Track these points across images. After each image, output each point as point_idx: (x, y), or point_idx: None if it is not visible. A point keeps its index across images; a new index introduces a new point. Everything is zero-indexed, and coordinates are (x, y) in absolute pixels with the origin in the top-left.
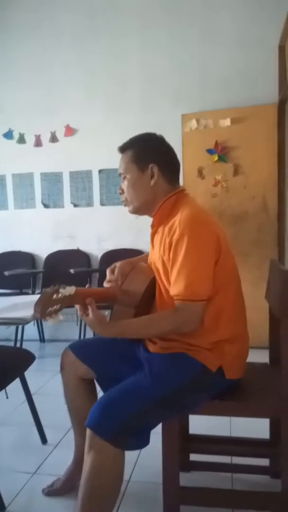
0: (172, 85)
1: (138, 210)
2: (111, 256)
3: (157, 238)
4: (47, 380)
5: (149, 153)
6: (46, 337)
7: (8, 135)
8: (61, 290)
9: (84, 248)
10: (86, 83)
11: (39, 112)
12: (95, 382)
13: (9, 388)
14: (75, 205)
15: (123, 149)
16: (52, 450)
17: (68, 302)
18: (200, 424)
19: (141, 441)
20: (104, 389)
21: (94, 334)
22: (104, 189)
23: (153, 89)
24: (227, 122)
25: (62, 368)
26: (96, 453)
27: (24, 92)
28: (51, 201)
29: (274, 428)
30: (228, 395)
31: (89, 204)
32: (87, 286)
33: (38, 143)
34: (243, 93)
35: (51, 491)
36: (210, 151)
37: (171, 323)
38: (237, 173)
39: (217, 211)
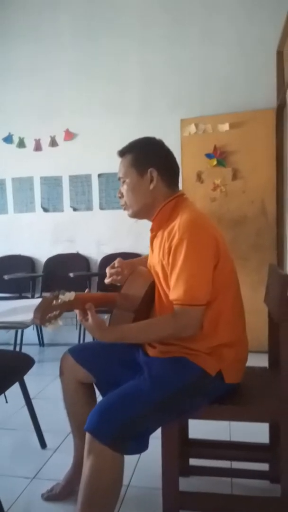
0: (172, 88)
1: (138, 214)
2: (110, 260)
3: (157, 242)
4: (46, 384)
5: (148, 157)
6: (45, 341)
7: (8, 139)
8: (60, 296)
9: (83, 252)
10: (85, 84)
11: (38, 117)
12: (94, 386)
13: (9, 392)
14: (75, 209)
15: (122, 153)
16: (51, 454)
17: (67, 308)
18: (200, 428)
19: (140, 445)
20: (103, 393)
21: (93, 339)
22: (103, 193)
23: (152, 93)
24: (225, 126)
25: (61, 373)
26: (95, 457)
27: (24, 95)
28: (51, 205)
29: (274, 432)
30: (228, 399)
31: (89, 208)
32: (86, 291)
33: (38, 147)
34: (241, 98)
35: (51, 496)
36: (209, 156)
37: (170, 327)
38: (236, 178)
39: (216, 215)
